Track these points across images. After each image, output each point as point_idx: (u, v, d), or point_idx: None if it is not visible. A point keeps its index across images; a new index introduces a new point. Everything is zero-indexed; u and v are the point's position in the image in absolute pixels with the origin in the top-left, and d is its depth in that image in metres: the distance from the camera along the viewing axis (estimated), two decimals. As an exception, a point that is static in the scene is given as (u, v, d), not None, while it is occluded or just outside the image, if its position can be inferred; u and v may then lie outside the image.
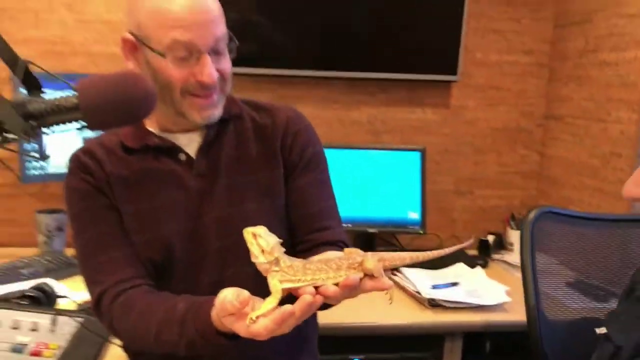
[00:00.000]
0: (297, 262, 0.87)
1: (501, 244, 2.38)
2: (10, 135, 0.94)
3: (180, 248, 1.11)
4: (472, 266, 2.07)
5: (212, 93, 1.08)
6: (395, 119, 2.42)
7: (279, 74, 2.27)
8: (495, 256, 2.31)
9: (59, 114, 0.94)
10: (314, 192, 1.19)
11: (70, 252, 2.10)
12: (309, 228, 1.17)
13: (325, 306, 1.06)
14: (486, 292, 1.84)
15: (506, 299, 1.80)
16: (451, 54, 2.31)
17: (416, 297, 1.82)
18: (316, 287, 0.85)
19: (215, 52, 1.07)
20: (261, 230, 0.88)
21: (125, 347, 1.24)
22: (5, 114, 0.90)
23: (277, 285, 0.85)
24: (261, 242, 0.87)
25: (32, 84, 0.99)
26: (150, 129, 1.16)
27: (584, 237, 1.61)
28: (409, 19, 2.28)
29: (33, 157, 1.85)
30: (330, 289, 0.84)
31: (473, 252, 2.34)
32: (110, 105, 0.93)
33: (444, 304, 1.76)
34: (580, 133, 2.22)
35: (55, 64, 2.19)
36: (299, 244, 1.18)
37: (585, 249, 1.60)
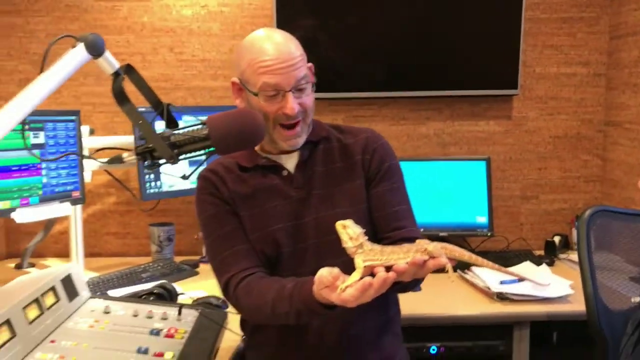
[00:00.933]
0: (377, 247, 1.12)
1: (567, 244, 2.52)
2: (158, 161, 1.25)
3: (284, 243, 1.40)
4: (539, 264, 2.24)
5: (296, 124, 1.36)
6: (461, 131, 2.62)
7: (352, 96, 2.54)
8: (562, 256, 2.46)
9: (193, 143, 1.23)
10: (389, 198, 1.43)
11: (178, 259, 2.43)
12: (387, 227, 1.42)
13: (404, 288, 1.31)
14: (551, 286, 2.01)
15: (570, 291, 1.96)
16: (511, 70, 2.50)
17: (486, 292, 2.02)
18: (390, 267, 1.09)
19: (297, 90, 1.34)
20: (349, 222, 1.15)
21: (243, 326, 1.52)
22: (158, 144, 1.20)
23: (360, 263, 1.11)
24: (349, 231, 1.14)
25: (171, 120, 1.29)
26: (258, 151, 1.45)
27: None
28: (471, 40, 2.50)
29: (176, 177, 2.15)
30: (401, 266, 1.08)
31: (540, 252, 2.50)
32: (232, 135, 1.21)
33: (512, 297, 1.95)
34: (639, 137, 2.35)
35: (160, 98, 2.53)
36: (381, 241, 1.41)
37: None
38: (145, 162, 1.24)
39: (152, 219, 2.55)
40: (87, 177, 2.25)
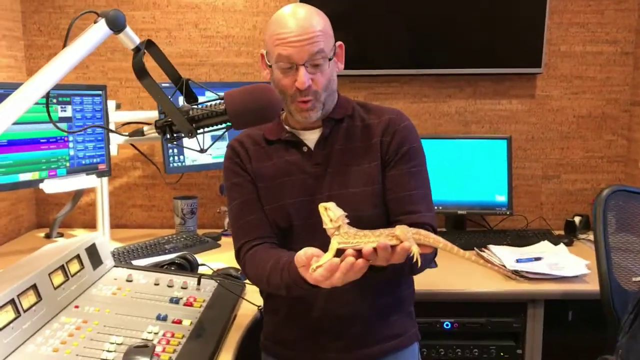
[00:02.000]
0: (353, 230, 1.15)
1: (587, 225, 2.51)
2: (177, 134, 1.29)
3: (296, 217, 1.44)
4: (557, 244, 2.24)
5: (309, 99, 1.38)
6: (483, 109, 2.61)
7: (374, 74, 2.54)
8: (582, 236, 2.45)
9: (211, 118, 1.26)
10: (404, 180, 1.43)
11: (201, 232, 2.49)
12: (398, 210, 1.43)
13: (411, 271, 1.37)
14: (567, 265, 2.01)
15: (586, 271, 1.96)
16: (536, 48, 2.47)
17: (501, 270, 2.03)
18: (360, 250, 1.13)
19: (312, 65, 1.36)
20: (331, 204, 1.18)
21: (261, 291, 1.59)
22: (177, 118, 1.23)
23: (334, 245, 1.15)
24: (330, 213, 1.17)
25: (190, 95, 1.32)
26: (285, 126, 1.49)
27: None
28: (494, 17, 2.47)
29: (194, 150, 2.20)
30: (368, 249, 1.11)
31: (559, 231, 2.50)
32: (248, 111, 1.24)
33: (527, 275, 1.96)
34: (665, 117, 2.32)
35: (184, 73, 2.50)
36: (392, 224, 1.41)
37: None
38: (165, 136, 1.28)
39: (176, 192, 2.61)
40: (114, 150, 2.31)
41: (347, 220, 1.17)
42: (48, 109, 1.15)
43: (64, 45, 1.09)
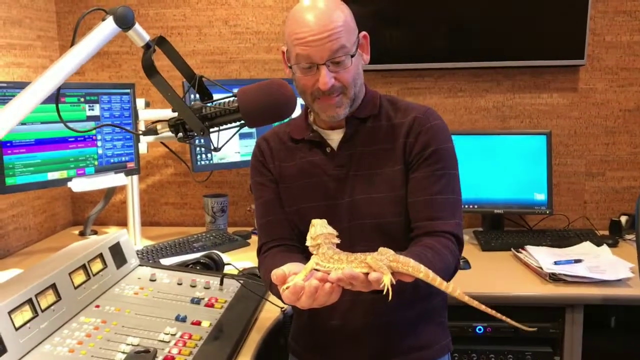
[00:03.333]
0: (331, 252, 1.07)
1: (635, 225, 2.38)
2: (190, 133, 1.26)
3: None
4: (599, 245, 2.12)
5: (333, 97, 1.30)
6: (522, 104, 2.51)
7: (407, 68, 2.47)
8: (628, 237, 2.32)
9: (224, 116, 1.24)
10: (426, 184, 1.33)
11: (231, 229, 2.48)
12: (418, 215, 1.34)
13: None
14: (609, 268, 1.90)
15: (629, 274, 1.85)
16: (578, 39, 2.35)
17: (537, 272, 1.94)
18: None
19: (334, 63, 1.28)
20: (317, 221, 1.11)
21: None
22: (187, 117, 1.21)
23: (310, 265, 1.07)
24: (312, 230, 1.11)
25: (204, 93, 1.29)
26: (312, 125, 1.43)
27: None
28: (533, 6, 2.36)
29: (208, 149, 2.21)
30: (332, 277, 1.03)
31: (604, 232, 2.37)
32: (261, 108, 1.21)
33: (565, 278, 1.86)
34: None
35: (215, 70, 2.57)
36: (412, 230, 1.35)
37: None
38: (178, 135, 1.26)
39: (208, 190, 2.60)
40: (143, 148, 2.31)
41: (337, 241, 1.10)
42: (57, 107, 1.14)
43: (72, 44, 1.07)
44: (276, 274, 1.09)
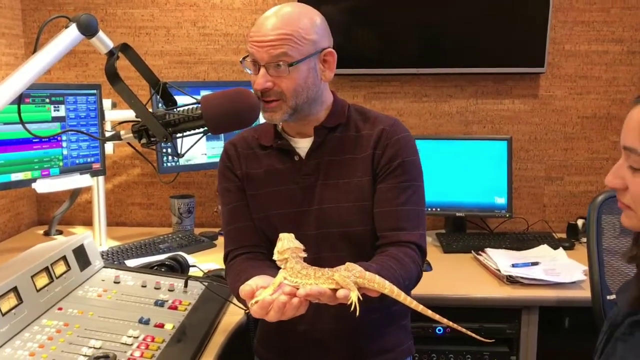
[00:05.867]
0: (299, 266, 1.07)
1: (590, 228, 2.46)
2: (154, 139, 1.28)
3: (283, 229, 1.36)
4: (556, 248, 2.20)
5: (272, 99, 1.31)
6: (485, 109, 2.57)
7: (373, 72, 2.51)
8: (584, 239, 2.39)
9: (188, 122, 1.26)
10: (392, 195, 1.36)
11: (198, 230, 2.49)
12: (383, 225, 1.36)
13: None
14: (564, 271, 1.97)
15: (582, 277, 1.92)
16: (538, 47, 2.42)
17: (496, 274, 2.00)
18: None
19: (274, 67, 1.28)
20: (285, 235, 1.11)
21: None
22: (151, 123, 1.22)
23: (278, 279, 1.08)
24: (279, 244, 1.10)
25: (169, 99, 1.31)
26: (281, 132, 1.44)
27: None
28: (496, 15, 2.42)
29: (171, 154, 2.22)
30: (300, 292, 1.04)
31: (561, 235, 2.45)
32: (224, 115, 1.23)
33: (521, 280, 1.92)
34: (671, 119, 2.25)
35: (183, 71, 2.58)
36: (377, 240, 1.38)
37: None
38: (142, 140, 1.27)
39: (175, 190, 2.61)
40: (109, 148, 2.31)
41: (304, 255, 1.11)
42: (19, 112, 1.15)
43: (34, 50, 1.08)
44: (244, 290, 1.09)
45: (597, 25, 2.47)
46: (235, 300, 1.66)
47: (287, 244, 1.09)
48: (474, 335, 1.10)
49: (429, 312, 1.08)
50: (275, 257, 1.10)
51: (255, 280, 1.12)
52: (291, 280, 1.07)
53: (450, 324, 1.08)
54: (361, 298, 1.04)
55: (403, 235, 1.33)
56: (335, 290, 1.04)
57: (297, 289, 1.06)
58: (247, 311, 1.63)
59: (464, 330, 1.09)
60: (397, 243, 1.33)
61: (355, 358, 1.44)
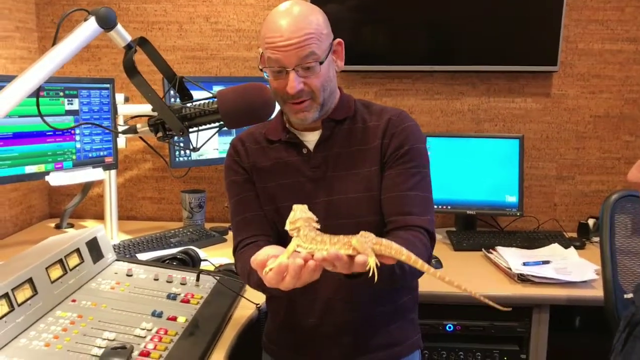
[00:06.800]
0: (313, 234, 1.05)
1: (601, 228, 2.45)
2: (170, 133, 1.28)
3: None
4: (567, 247, 2.19)
5: (303, 101, 1.32)
6: (497, 107, 2.56)
7: (385, 69, 2.51)
8: (595, 239, 2.39)
9: (203, 117, 1.26)
10: (399, 180, 1.37)
11: (209, 225, 2.50)
12: (391, 211, 1.37)
13: (392, 282, 1.26)
14: (575, 270, 1.96)
15: (594, 276, 1.91)
16: (551, 46, 2.41)
17: (507, 273, 1.99)
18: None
19: (303, 68, 1.30)
20: (298, 207, 1.08)
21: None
22: (167, 117, 1.23)
23: (291, 247, 1.05)
24: (291, 214, 1.07)
25: (185, 93, 1.32)
26: (287, 126, 1.45)
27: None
28: (509, 13, 2.41)
29: (186, 148, 2.22)
30: (318, 256, 1.02)
31: (572, 234, 2.44)
32: (240, 110, 1.23)
33: (532, 279, 1.92)
34: (684, 119, 2.24)
35: (195, 67, 2.59)
36: (386, 225, 1.38)
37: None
38: (158, 134, 1.28)
39: (186, 185, 2.62)
40: (122, 143, 2.32)
41: (318, 226, 1.08)
42: (38, 105, 1.16)
43: (54, 43, 1.09)
44: (256, 259, 1.07)
45: (611, 24, 2.46)
46: (247, 294, 1.67)
47: (299, 214, 1.07)
48: (491, 303, 1.06)
49: (447, 279, 1.04)
50: (287, 227, 1.07)
51: (267, 250, 1.10)
52: (305, 247, 1.04)
53: (469, 290, 1.05)
54: (379, 264, 1.02)
55: (411, 219, 1.33)
56: (351, 257, 1.02)
57: (312, 255, 1.03)
58: (258, 305, 1.64)
59: (482, 298, 1.05)
60: (405, 227, 1.33)
61: (363, 351, 1.45)
